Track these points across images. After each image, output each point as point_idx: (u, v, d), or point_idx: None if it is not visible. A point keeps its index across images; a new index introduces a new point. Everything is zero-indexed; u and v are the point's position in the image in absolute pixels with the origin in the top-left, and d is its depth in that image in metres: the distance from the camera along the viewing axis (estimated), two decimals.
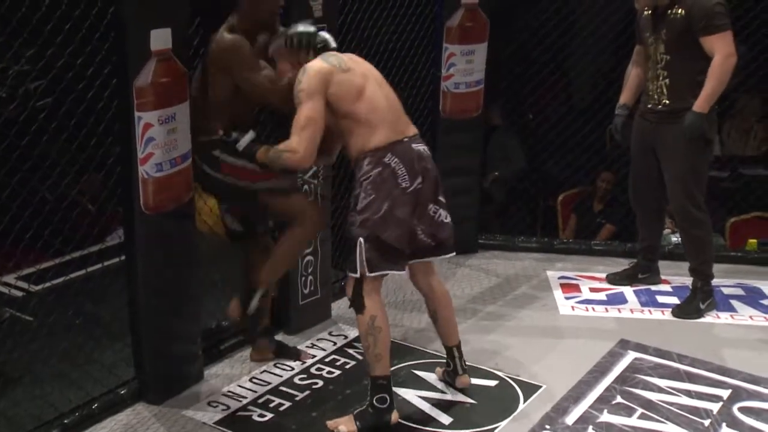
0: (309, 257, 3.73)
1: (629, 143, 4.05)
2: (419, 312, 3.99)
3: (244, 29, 3.09)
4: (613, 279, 4.33)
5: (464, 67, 4.39)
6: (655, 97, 3.80)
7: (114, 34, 2.83)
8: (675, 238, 4.77)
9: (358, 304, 2.91)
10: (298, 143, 2.86)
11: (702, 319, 3.94)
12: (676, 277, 4.31)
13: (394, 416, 2.96)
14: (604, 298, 4.18)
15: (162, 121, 2.89)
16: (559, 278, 4.44)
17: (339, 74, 2.89)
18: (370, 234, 2.85)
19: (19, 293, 4.09)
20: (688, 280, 4.06)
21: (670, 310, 4.00)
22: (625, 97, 4.05)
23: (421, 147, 2.97)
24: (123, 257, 3.13)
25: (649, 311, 4.04)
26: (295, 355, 3.54)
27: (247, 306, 3.32)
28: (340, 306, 4.01)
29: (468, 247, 4.74)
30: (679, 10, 3.64)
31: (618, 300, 4.15)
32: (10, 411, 3.12)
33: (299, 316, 3.77)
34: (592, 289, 4.28)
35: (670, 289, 4.25)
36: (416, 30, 4.54)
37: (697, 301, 3.96)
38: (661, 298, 4.16)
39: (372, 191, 2.86)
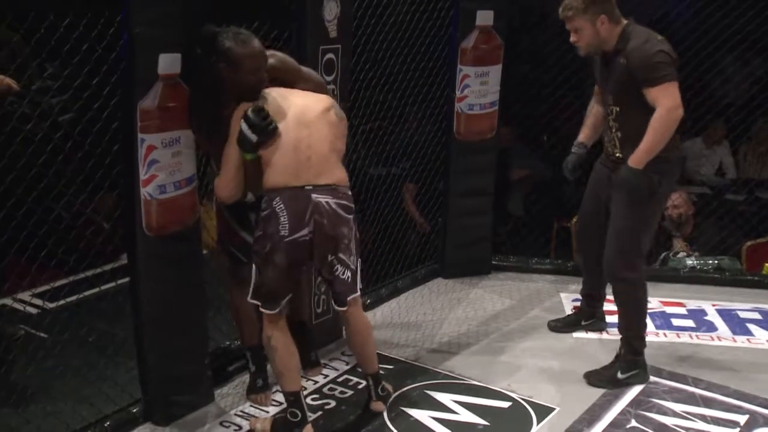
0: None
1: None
2: (431, 332, 3.98)
3: None
4: (555, 327, 4.05)
5: (478, 89, 4.40)
6: (609, 148, 3.56)
7: (125, 56, 2.85)
8: (690, 262, 4.74)
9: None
10: (219, 179, 2.98)
11: (718, 343, 3.91)
12: (691, 300, 4.27)
13: (306, 430, 3.00)
14: None
15: (166, 144, 2.91)
16: (573, 300, 4.41)
17: None
18: (259, 265, 2.92)
19: (34, 310, 4.11)
20: (703, 303, 4.02)
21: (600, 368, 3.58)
22: (583, 134, 3.72)
23: (324, 199, 2.87)
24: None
25: (664, 334, 4.01)
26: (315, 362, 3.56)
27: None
28: None
29: (481, 268, 4.74)
30: (622, 60, 3.29)
31: None
32: (23, 428, 3.13)
33: (312, 335, 3.76)
34: (606, 311, 4.24)
35: (686, 312, 4.22)
36: (430, 51, 4.56)
37: (615, 369, 3.50)
38: (676, 321, 4.13)
39: (261, 229, 2.91)
